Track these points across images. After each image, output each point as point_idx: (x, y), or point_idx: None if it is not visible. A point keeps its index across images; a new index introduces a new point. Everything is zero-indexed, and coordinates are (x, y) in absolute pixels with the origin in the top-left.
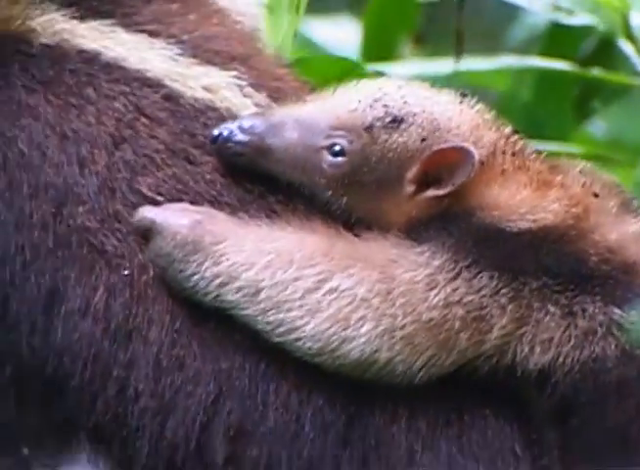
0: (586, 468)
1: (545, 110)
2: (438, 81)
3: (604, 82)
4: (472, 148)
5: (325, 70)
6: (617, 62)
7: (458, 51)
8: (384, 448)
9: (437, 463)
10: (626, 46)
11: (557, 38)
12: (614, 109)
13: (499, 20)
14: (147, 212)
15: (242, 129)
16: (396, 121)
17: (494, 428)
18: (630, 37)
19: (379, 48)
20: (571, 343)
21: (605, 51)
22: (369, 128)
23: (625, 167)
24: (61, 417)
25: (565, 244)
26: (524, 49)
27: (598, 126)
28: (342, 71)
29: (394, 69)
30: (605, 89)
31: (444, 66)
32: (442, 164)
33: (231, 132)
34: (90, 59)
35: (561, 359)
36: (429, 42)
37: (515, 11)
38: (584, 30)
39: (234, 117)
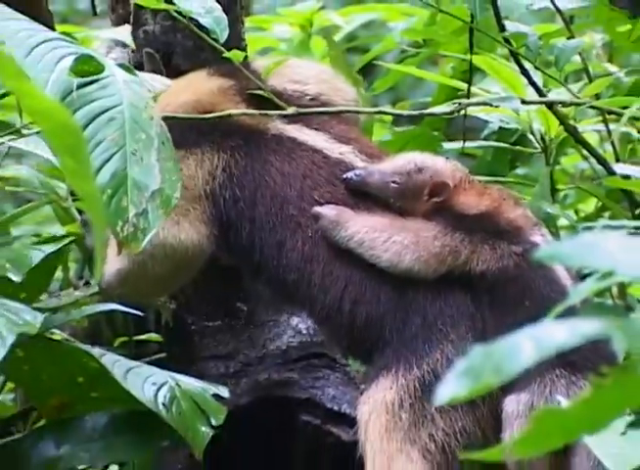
0: (499, 312)
1: (497, 165)
2: (449, 153)
3: (522, 152)
4: (449, 181)
5: None
6: (527, 143)
7: (464, 141)
8: (412, 305)
9: (436, 310)
10: (531, 136)
11: (503, 134)
12: (525, 164)
13: (477, 126)
14: (317, 208)
15: (355, 175)
16: (420, 170)
17: (459, 295)
18: (532, 133)
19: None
20: (494, 260)
21: (522, 139)
22: (408, 173)
23: (530, 188)
24: (286, 294)
25: (490, 218)
26: (488, 139)
27: (520, 171)
28: None
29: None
30: (522, 155)
31: (454, 146)
32: (438, 188)
33: (351, 176)
34: (292, 140)
35: (489, 268)
36: (447, 136)
37: (484, 122)
38: (514, 130)
39: (352, 167)
